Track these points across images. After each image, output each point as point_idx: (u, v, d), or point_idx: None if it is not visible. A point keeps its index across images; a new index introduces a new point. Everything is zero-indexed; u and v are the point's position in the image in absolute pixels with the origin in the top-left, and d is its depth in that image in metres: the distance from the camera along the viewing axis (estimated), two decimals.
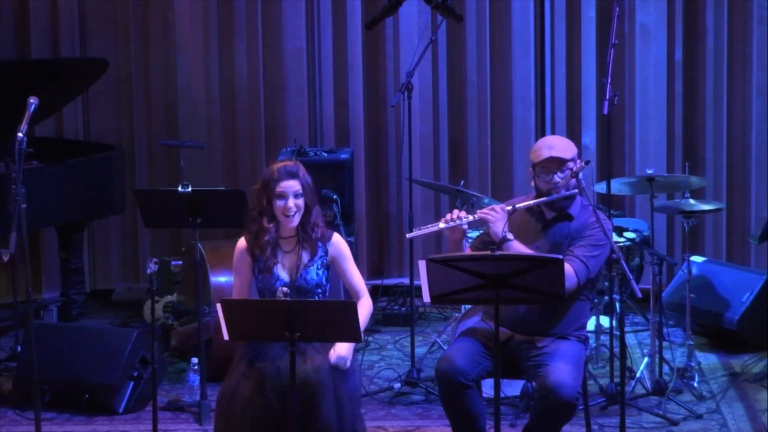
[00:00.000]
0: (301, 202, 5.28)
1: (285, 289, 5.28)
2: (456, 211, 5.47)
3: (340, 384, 5.19)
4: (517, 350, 5.46)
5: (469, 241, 5.85)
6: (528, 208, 5.55)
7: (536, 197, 5.53)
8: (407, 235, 5.64)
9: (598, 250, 5.38)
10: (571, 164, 5.47)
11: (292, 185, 5.27)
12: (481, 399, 5.49)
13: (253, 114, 8.72)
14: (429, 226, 5.53)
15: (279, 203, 5.27)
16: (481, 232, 5.77)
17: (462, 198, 7.14)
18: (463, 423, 5.42)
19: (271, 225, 5.30)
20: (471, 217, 5.44)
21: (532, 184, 5.57)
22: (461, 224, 5.42)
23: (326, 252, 5.36)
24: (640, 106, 8.48)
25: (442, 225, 5.44)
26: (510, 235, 5.39)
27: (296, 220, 5.29)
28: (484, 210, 5.46)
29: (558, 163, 5.46)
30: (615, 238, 6.74)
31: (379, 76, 8.69)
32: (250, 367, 5.24)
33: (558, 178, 5.46)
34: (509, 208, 5.49)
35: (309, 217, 5.31)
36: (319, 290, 5.36)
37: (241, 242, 5.38)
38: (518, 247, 5.37)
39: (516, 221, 5.56)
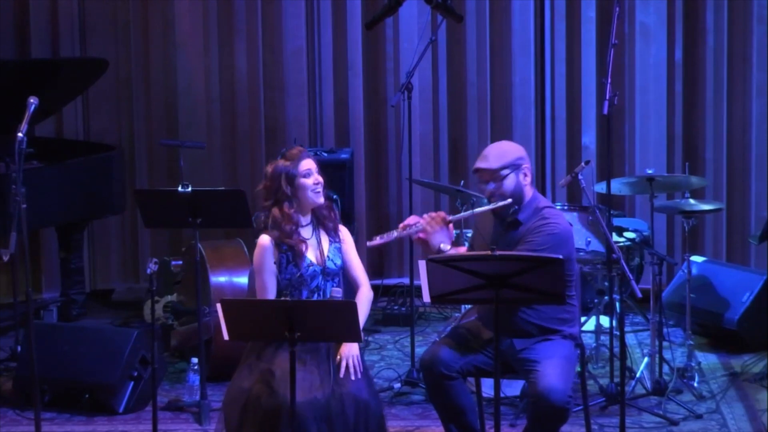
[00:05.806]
0: (321, 177, 5.39)
1: (338, 288, 5.37)
2: (412, 218, 5.54)
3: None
4: (507, 350, 5.44)
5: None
6: (493, 213, 5.53)
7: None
8: (368, 244, 5.61)
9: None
10: (504, 171, 5.42)
11: (312, 162, 5.39)
12: (469, 394, 5.51)
13: (253, 114, 8.72)
14: (387, 234, 5.55)
15: (306, 180, 5.34)
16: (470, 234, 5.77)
17: (462, 198, 7.14)
18: (449, 414, 5.45)
19: (293, 210, 5.34)
20: (421, 225, 5.47)
21: None
22: (413, 232, 5.45)
23: (340, 239, 5.44)
24: (640, 106, 8.48)
25: (395, 234, 5.49)
26: (446, 246, 5.41)
27: (323, 195, 5.38)
28: (427, 219, 5.46)
29: (485, 173, 5.45)
30: (615, 238, 6.75)
31: (379, 76, 8.69)
32: (259, 367, 5.24)
33: (491, 187, 5.44)
34: (449, 218, 5.49)
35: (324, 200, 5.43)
36: (340, 273, 5.43)
37: (265, 239, 5.35)
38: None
39: (488, 225, 5.58)
